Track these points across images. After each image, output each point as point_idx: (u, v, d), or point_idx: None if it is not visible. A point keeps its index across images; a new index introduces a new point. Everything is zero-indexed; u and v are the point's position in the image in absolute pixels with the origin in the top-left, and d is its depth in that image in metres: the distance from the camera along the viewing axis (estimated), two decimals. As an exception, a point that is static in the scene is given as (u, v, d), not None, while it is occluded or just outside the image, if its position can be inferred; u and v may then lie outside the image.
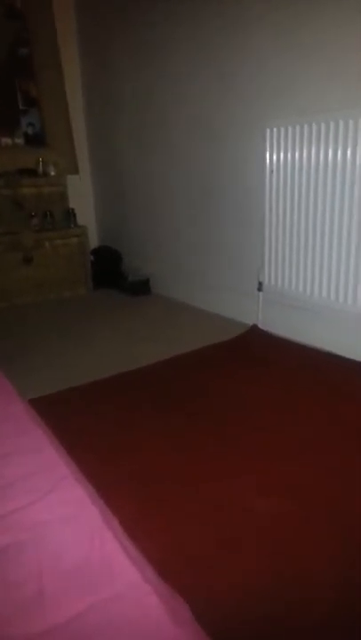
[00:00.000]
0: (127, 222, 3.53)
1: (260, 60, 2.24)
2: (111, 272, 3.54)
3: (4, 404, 1.14)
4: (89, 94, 3.59)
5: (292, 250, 2.20)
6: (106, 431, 1.63)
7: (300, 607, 0.96)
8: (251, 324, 2.55)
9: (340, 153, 1.92)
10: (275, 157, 2.18)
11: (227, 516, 1.22)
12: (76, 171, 3.57)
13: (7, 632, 0.53)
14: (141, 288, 3.33)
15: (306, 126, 2.01)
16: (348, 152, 1.88)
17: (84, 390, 1.93)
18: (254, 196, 2.39)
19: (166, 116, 2.90)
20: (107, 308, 3.13)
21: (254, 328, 2.52)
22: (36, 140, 3.43)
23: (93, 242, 3.71)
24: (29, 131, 3.41)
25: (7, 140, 3.34)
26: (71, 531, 0.68)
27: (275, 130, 2.14)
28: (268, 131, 2.16)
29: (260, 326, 2.52)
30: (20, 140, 3.38)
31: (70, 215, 3.41)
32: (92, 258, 3.54)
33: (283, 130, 2.11)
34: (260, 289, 2.44)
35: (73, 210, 3.43)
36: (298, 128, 2.04)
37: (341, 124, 1.88)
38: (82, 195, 3.66)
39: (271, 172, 2.20)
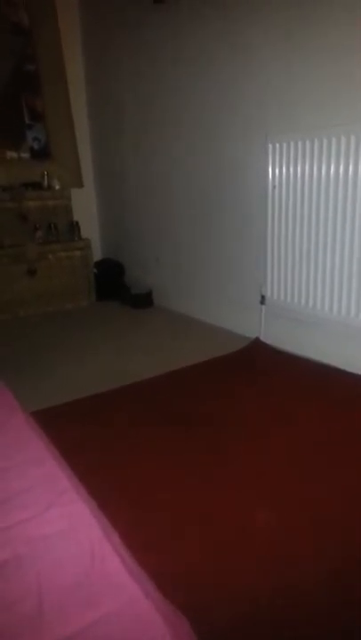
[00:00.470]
0: (130, 235, 3.55)
1: (264, 76, 2.27)
2: (114, 284, 3.56)
3: (7, 416, 1.15)
4: (93, 109, 3.63)
5: (295, 263, 2.21)
6: (107, 444, 1.62)
7: (298, 622, 0.95)
8: (253, 337, 2.55)
9: (342, 168, 1.93)
10: (277, 172, 2.19)
11: (227, 530, 1.21)
12: (80, 184, 3.61)
13: (6, 648, 0.53)
14: (144, 300, 3.34)
15: (308, 142, 2.03)
16: (351, 167, 1.90)
17: (85, 403, 1.93)
18: (257, 210, 2.41)
19: (169, 131, 2.93)
20: (109, 320, 3.14)
21: (257, 341, 2.52)
22: (41, 154, 3.46)
23: (97, 254, 3.73)
24: (35, 145, 3.45)
25: (13, 154, 3.38)
26: (71, 545, 0.68)
27: (277, 145, 2.16)
28: (270, 146, 2.19)
29: (263, 339, 2.51)
30: (25, 154, 3.42)
31: (74, 228, 3.44)
32: (95, 270, 3.55)
33: (285, 145, 2.13)
34: (262, 302, 2.44)
35: (77, 223, 3.46)
36: (300, 143, 2.06)
37: (344, 139, 1.90)
38: (86, 208, 3.69)
39: (274, 186, 2.22)
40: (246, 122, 2.42)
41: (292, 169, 2.13)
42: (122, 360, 2.42)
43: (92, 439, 1.65)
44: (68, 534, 0.70)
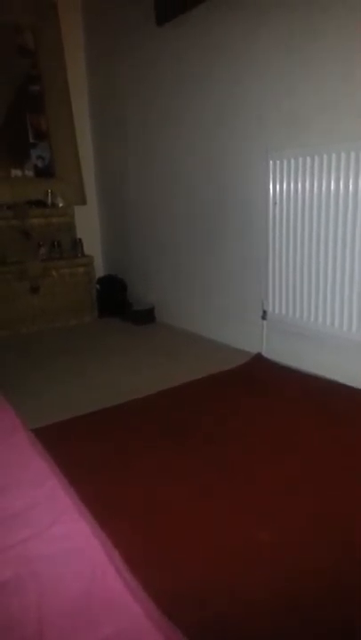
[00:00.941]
0: (132, 252, 3.57)
1: (264, 92, 2.30)
2: (116, 301, 3.57)
3: (8, 434, 1.14)
4: (97, 127, 3.69)
5: (296, 279, 2.22)
6: (108, 462, 1.61)
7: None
8: (255, 352, 2.55)
9: (342, 184, 1.95)
10: (278, 188, 2.21)
11: (229, 547, 1.20)
12: (83, 201, 3.64)
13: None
14: (146, 317, 3.34)
15: (309, 158, 2.05)
16: (351, 184, 1.92)
17: (87, 420, 1.92)
18: (258, 226, 2.42)
19: (170, 148, 2.97)
20: (111, 336, 3.14)
21: (258, 357, 2.51)
22: (45, 172, 3.51)
23: (99, 271, 3.75)
24: (39, 163, 3.50)
25: (17, 173, 3.43)
26: (73, 565, 0.67)
27: (278, 161, 2.18)
28: (271, 162, 2.21)
29: (265, 355, 2.51)
30: (29, 172, 3.47)
31: (77, 245, 3.47)
32: (97, 287, 3.57)
33: (286, 161, 2.15)
34: (264, 317, 2.44)
35: (80, 239, 3.48)
36: (301, 160, 2.08)
37: (344, 156, 1.92)
38: (88, 225, 3.72)
39: (275, 203, 2.24)
40: (247, 138, 2.45)
41: (293, 185, 2.15)
42: (123, 376, 2.41)
43: (93, 456, 1.64)
44: (69, 554, 0.69)
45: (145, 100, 3.12)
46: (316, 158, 2.02)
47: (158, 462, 1.60)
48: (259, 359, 2.49)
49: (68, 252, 3.43)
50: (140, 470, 1.56)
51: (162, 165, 3.09)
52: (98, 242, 3.88)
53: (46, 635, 0.57)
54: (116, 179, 3.59)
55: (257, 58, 2.30)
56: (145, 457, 1.64)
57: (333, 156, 1.95)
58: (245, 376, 2.34)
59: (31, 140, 3.49)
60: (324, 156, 1.99)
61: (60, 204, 3.41)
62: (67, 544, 0.72)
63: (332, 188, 1.99)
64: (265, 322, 2.46)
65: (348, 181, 1.92)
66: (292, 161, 2.12)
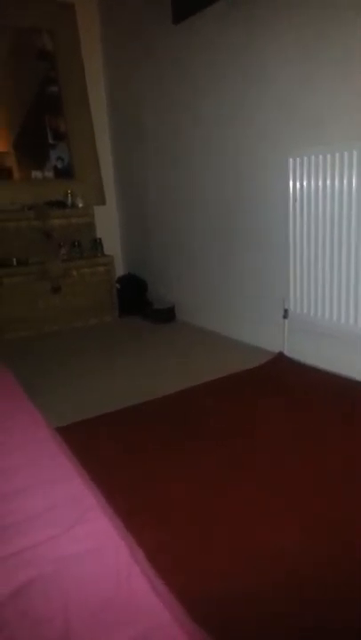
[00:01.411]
0: (152, 251, 3.58)
1: (283, 89, 2.28)
2: (137, 300, 3.58)
3: (33, 432, 1.15)
4: (115, 127, 3.70)
5: (318, 277, 2.19)
6: (131, 461, 1.62)
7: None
8: (276, 351, 2.52)
9: (364, 180, 1.92)
10: (298, 186, 2.19)
11: (255, 548, 1.19)
12: (102, 201, 3.66)
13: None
14: (166, 315, 3.35)
15: (329, 156, 2.02)
16: (373, 179, 1.88)
17: (109, 419, 1.93)
18: (278, 224, 2.40)
19: (189, 146, 2.96)
20: (132, 335, 3.15)
21: (280, 356, 2.49)
22: (64, 173, 3.54)
23: (119, 270, 3.77)
24: (59, 164, 3.53)
25: (38, 174, 3.46)
26: (97, 565, 0.67)
27: (298, 159, 2.16)
28: (291, 160, 2.19)
29: (287, 354, 2.49)
30: (49, 174, 3.50)
31: (97, 244, 3.49)
32: (118, 286, 3.59)
33: (306, 159, 2.12)
34: (285, 316, 2.42)
35: (100, 239, 3.50)
36: (321, 157, 2.05)
37: (365, 152, 1.88)
38: (108, 224, 3.74)
39: (295, 200, 2.22)
40: (266, 137, 2.42)
41: (313, 182, 2.12)
42: (144, 375, 2.42)
43: (115, 455, 1.65)
44: (93, 554, 0.70)
45: (162, 99, 3.11)
46: (337, 155, 1.99)
47: (182, 461, 1.60)
48: (280, 358, 2.47)
49: (88, 251, 3.46)
50: (161, 470, 1.56)
51: (180, 165, 3.08)
52: (118, 241, 3.89)
53: (72, 635, 0.57)
54: (134, 178, 3.60)
55: (275, 56, 2.27)
56: (166, 456, 1.64)
57: (354, 152, 1.92)
58: (267, 375, 2.32)
59: (50, 142, 3.52)
60: (345, 154, 1.95)
61: (80, 205, 3.44)
62: (91, 543, 0.72)
63: (354, 184, 1.95)
64: (286, 320, 2.44)
65: (371, 177, 1.89)
66: (313, 158, 2.10)
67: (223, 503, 1.37)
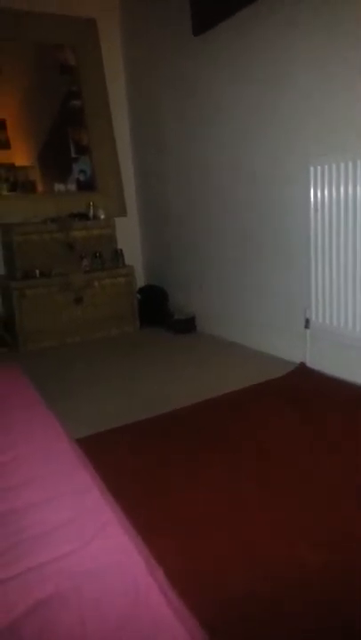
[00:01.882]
0: (172, 261, 3.59)
1: (304, 98, 2.27)
2: (157, 310, 3.58)
3: (52, 444, 1.15)
4: (136, 140, 3.75)
5: (340, 286, 2.16)
6: (149, 473, 1.61)
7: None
8: (298, 362, 2.49)
9: (387, 188, 1.89)
10: (319, 194, 2.17)
11: (274, 565, 1.16)
12: (124, 213, 3.70)
13: None
14: (187, 326, 3.34)
15: (351, 163, 2.00)
16: (396, 187, 1.85)
17: (128, 430, 1.93)
18: (299, 233, 2.38)
19: (209, 158, 2.97)
20: (153, 346, 3.16)
21: (302, 366, 2.45)
22: (87, 186, 3.59)
23: (140, 281, 3.79)
24: (81, 177, 3.58)
25: (61, 187, 3.52)
26: (116, 581, 0.66)
27: (318, 168, 2.14)
28: (311, 169, 2.17)
29: (309, 365, 2.45)
30: (72, 186, 3.55)
31: (118, 255, 3.51)
32: (138, 296, 3.60)
33: (327, 167, 2.11)
34: (307, 326, 2.39)
35: (121, 250, 3.53)
36: (343, 165, 2.03)
37: (388, 159, 1.86)
38: (129, 235, 3.77)
39: (316, 209, 2.19)
40: (286, 146, 2.42)
41: (334, 191, 2.10)
42: (165, 386, 2.41)
43: (134, 467, 1.64)
44: (112, 570, 0.69)
45: (183, 111, 3.14)
46: (359, 163, 1.97)
47: (202, 474, 1.58)
48: (302, 369, 2.44)
49: (109, 262, 3.48)
50: (181, 482, 1.54)
51: (201, 176, 3.09)
52: (138, 252, 3.92)
53: (89, 653, 0.56)
54: (155, 190, 3.63)
55: (295, 63, 2.27)
56: (186, 469, 1.62)
57: (378, 159, 1.90)
58: (289, 386, 2.29)
59: (73, 155, 3.58)
60: (368, 160, 1.93)
61: (102, 216, 3.47)
62: (109, 559, 0.71)
63: (377, 192, 1.93)
64: (308, 331, 2.40)
65: (394, 185, 1.86)
66: (333, 166, 2.08)
67: (244, 518, 1.35)
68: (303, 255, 2.35)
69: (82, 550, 0.73)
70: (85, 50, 3.53)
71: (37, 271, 3.20)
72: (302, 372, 2.41)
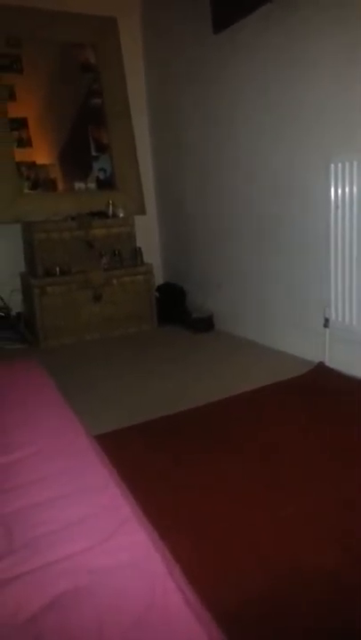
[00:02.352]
0: (191, 260, 3.59)
1: (325, 94, 2.24)
2: (175, 308, 3.59)
3: (72, 440, 1.17)
4: (156, 138, 3.75)
5: (360, 285, 2.13)
6: (166, 471, 1.61)
7: None
8: (316, 361, 2.46)
9: None
10: (340, 192, 2.14)
11: (291, 566, 1.16)
12: (143, 211, 3.71)
13: None
14: (205, 324, 3.33)
15: (373, 161, 1.97)
16: None
17: (146, 428, 1.93)
18: (318, 232, 2.35)
19: (228, 156, 2.96)
20: (170, 344, 3.16)
21: (320, 366, 2.43)
22: (106, 184, 3.61)
23: (158, 279, 3.79)
24: (101, 175, 3.60)
25: (81, 185, 3.54)
26: (133, 579, 0.67)
27: (339, 165, 2.11)
28: (332, 166, 2.14)
29: (327, 364, 2.42)
30: (92, 185, 3.58)
31: (137, 253, 3.52)
32: (157, 295, 3.61)
33: (348, 164, 2.08)
34: (326, 325, 2.36)
35: (140, 248, 3.54)
36: (365, 163, 2.01)
37: None
38: (148, 233, 3.78)
39: (337, 207, 2.17)
40: (306, 142, 2.39)
41: (356, 189, 2.07)
42: (183, 384, 2.41)
43: (152, 465, 1.65)
44: (129, 567, 0.69)
45: (203, 109, 3.13)
46: (382, 159, 1.94)
47: (219, 473, 1.58)
48: (321, 368, 2.41)
49: (128, 260, 3.49)
50: (198, 481, 1.54)
51: (219, 174, 3.08)
52: (157, 250, 3.92)
53: (107, 648, 0.57)
54: (174, 188, 3.63)
55: (315, 60, 2.24)
56: (203, 467, 1.62)
57: None
58: (307, 385, 2.27)
59: (93, 153, 3.60)
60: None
61: (121, 215, 3.49)
62: (127, 556, 0.72)
63: None
64: (327, 329, 2.38)
65: None
66: (355, 163, 2.05)
67: (264, 518, 1.34)
68: (322, 254, 2.32)
69: (100, 546, 0.73)
70: (106, 48, 3.55)
71: (58, 269, 3.23)
72: (321, 371, 2.39)
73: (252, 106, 2.70)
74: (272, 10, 2.42)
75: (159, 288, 3.70)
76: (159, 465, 1.65)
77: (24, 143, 3.38)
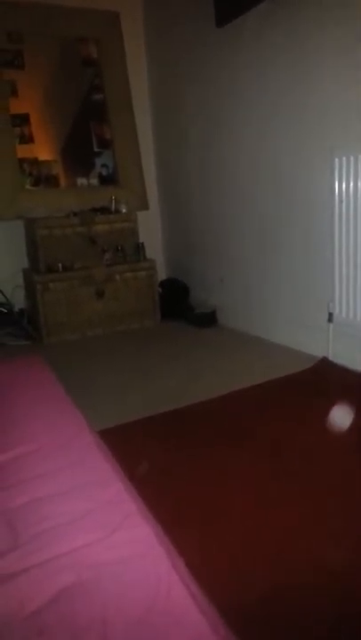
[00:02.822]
0: (194, 255, 3.58)
1: (328, 88, 2.23)
2: (178, 304, 3.58)
3: (75, 435, 1.16)
4: (158, 134, 3.73)
5: (366, 280, 2.12)
6: (169, 466, 1.61)
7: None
8: (320, 356, 2.46)
9: None
10: (344, 186, 2.13)
11: (298, 563, 1.15)
12: (145, 207, 3.69)
13: None
14: (208, 320, 3.33)
15: (377, 154, 1.96)
16: None
17: (149, 423, 1.93)
18: (322, 226, 2.34)
19: (231, 151, 2.95)
20: (174, 339, 3.16)
21: (324, 360, 2.42)
22: (109, 180, 3.60)
23: (161, 274, 3.78)
24: (103, 171, 3.59)
25: (83, 181, 3.53)
26: (137, 573, 0.67)
27: (344, 159, 2.10)
28: (336, 160, 2.13)
29: (331, 359, 2.42)
30: (94, 181, 3.57)
31: (140, 249, 3.51)
32: (160, 290, 3.60)
33: (353, 158, 2.06)
34: (330, 320, 2.35)
35: (142, 244, 3.53)
36: (369, 156, 1.99)
37: None
38: (151, 229, 3.77)
39: (341, 201, 2.15)
40: (309, 137, 2.38)
41: (360, 183, 2.05)
42: (185, 380, 2.41)
43: (155, 460, 1.64)
44: (133, 561, 0.69)
45: (206, 104, 3.11)
46: (387, 153, 1.92)
47: (220, 468, 1.58)
48: (325, 363, 2.40)
49: (130, 256, 3.49)
50: (201, 476, 1.54)
51: (222, 169, 3.07)
52: (160, 246, 3.91)
53: (111, 642, 0.56)
54: (177, 184, 3.62)
55: (321, 54, 2.22)
56: (206, 462, 1.62)
57: None
58: (310, 380, 2.26)
59: (95, 149, 3.59)
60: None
61: (124, 210, 3.48)
62: (131, 550, 0.72)
63: None
64: (331, 325, 2.37)
65: None
66: (360, 157, 2.03)
67: (264, 512, 1.34)
68: (326, 248, 2.31)
69: (104, 541, 0.73)
70: (108, 43, 3.53)
71: (60, 265, 3.23)
72: (325, 366, 2.38)
73: (257, 100, 2.68)
74: (274, 9, 2.40)
75: (162, 284, 3.69)
76: (163, 460, 1.65)
77: (26, 139, 3.37)
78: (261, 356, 2.67)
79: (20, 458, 1.04)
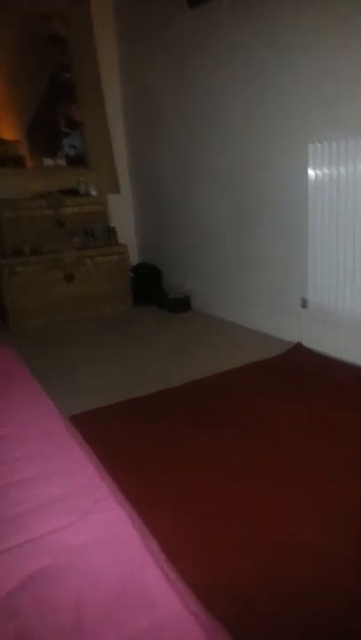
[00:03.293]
0: (167, 239, 3.55)
1: (304, 74, 2.22)
2: (151, 289, 3.56)
3: (46, 422, 1.15)
4: (129, 116, 3.66)
5: (338, 266, 2.14)
6: (143, 450, 1.61)
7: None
8: (295, 342, 2.49)
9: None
10: (318, 172, 2.14)
11: (269, 541, 1.17)
12: (116, 190, 3.64)
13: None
14: (181, 305, 3.32)
15: (351, 140, 1.97)
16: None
17: (122, 408, 1.92)
18: (297, 212, 2.35)
19: (205, 134, 2.92)
20: (146, 324, 3.14)
21: (298, 346, 2.45)
22: (77, 161, 3.51)
23: (134, 259, 3.75)
24: (71, 152, 3.51)
25: (49, 162, 3.44)
26: (110, 554, 0.66)
27: (318, 145, 2.11)
28: (310, 146, 2.13)
29: (305, 344, 2.45)
30: (62, 162, 3.48)
31: (111, 233, 3.47)
32: (132, 275, 3.57)
33: (326, 145, 2.07)
34: (304, 306, 2.38)
35: (114, 228, 3.48)
36: (343, 143, 2.00)
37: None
38: (122, 213, 3.71)
39: (315, 187, 2.17)
40: (285, 121, 2.37)
41: (334, 169, 2.07)
42: (159, 365, 2.41)
43: (128, 444, 1.64)
44: (106, 543, 0.68)
45: (178, 88, 3.06)
46: (359, 141, 1.93)
47: (196, 451, 1.59)
48: (298, 349, 2.44)
49: (101, 240, 3.44)
50: (177, 459, 1.55)
51: (196, 153, 3.04)
52: (132, 230, 3.87)
53: (84, 624, 0.56)
54: (149, 166, 3.56)
55: (295, 40, 2.21)
56: (180, 446, 1.62)
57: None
58: (284, 365, 2.29)
59: (63, 129, 3.49)
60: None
61: (94, 193, 3.42)
62: (104, 533, 0.71)
63: (374, 168, 1.90)
64: (305, 310, 2.40)
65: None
66: (333, 144, 2.04)
67: (240, 496, 1.36)
68: (300, 234, 2.33)
69: (77, 524, 0.72)
70: (76, 21, 3.41)
71: (28, 248, 3.16)
72: (298, 351, 2.42)
73: (230, 84, 2.65)
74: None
75: (135, 268, 3.66)
76: (135, 444, 1.64)
77: (-10, 118, 3.26)
78: (236, 341, 2.68)
79: (-12, 445, 1.02)
